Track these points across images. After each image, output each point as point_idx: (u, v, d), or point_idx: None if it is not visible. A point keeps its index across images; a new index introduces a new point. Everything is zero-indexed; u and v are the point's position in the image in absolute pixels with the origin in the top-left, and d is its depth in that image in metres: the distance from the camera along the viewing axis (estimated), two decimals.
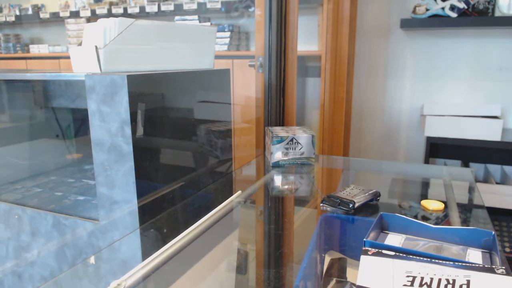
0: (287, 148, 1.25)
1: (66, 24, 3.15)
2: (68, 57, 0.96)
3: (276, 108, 1.54)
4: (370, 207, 0.91)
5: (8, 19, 3.42)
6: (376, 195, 0.94)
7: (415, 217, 0.87)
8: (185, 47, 1.09)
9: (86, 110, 0.90)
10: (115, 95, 0.85)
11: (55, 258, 1.03)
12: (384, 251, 0.57)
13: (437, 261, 0.54)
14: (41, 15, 3.24)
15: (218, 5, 2.53)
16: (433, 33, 2.11)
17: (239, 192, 1.04)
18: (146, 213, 0.91)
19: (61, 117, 1.54)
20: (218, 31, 2.49)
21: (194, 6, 2.60)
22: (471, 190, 1.09)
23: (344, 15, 1.98)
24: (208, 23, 2.59)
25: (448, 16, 1.93)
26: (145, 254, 0.72)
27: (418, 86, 2.20)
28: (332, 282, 0.70)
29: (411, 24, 2.00)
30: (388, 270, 0.53)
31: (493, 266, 0.51)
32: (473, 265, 0.52)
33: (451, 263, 0.53)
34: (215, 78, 1.19)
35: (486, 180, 2.00)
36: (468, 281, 0.49)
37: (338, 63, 2.03)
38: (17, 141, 1.40)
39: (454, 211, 0.90)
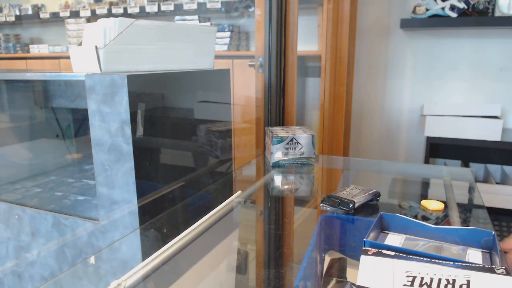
0: (287, 148, 1.25)
1: (66, 24, 3.15)
2: (68, 57, 0.97)
3: (276, 108, 1.54)
4: (370, 207, 0.91)
5: (8, 19, 3.42)
6: (376, 195, 0.94)
7: (415, 217, 0.87)
8: (185, 47, 1.09)
9: (86, 110, 0.90)
10: (115, 95, 0.85)
11: (55, 258, 1.03)
12: (384, 251, 0.57)
13: (437, 261, 0.54)
14: (41, 15, 3.24)
15: (218, 5, 2.53)
16: (433, 33, 2.11)
17: (239, 192, 1.04)
18: (146, 213, 0.91)
19: (61, 117, 1.54)
20: (218, 31, 2.49)
21: (194, 6, 2.60)
22: (471, 190, 1.09)
23: (344, 15, 1.98)
24: (208, 23, 2.59)
25: (448, 16, 1.93)
26: (145, 254, 0.72)
27: (418, 86, 2.20)
28: (332, 282, 0.70)
29: (411, 24, 2.00)
30: (388, 270, 0.53)
31: (493, 266, 0.51)
32: (473, 265, 0.52)
33: (451, 263, 0.53)
34: (215, 78, 1.19)
35: (486, 180, 2.00)
36: (468, 281, 0.49)
37: (338, 63, 2.03)
38: (17, 141, 1.40)
39: (454, 211, 0.90)
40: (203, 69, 1.16)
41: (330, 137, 2.07)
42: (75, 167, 1.44)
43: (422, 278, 0.51)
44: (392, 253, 0.56)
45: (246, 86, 2.07)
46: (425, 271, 0.52)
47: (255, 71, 1.53)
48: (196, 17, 2.58)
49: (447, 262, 0.53)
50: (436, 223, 0.79)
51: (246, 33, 2.63)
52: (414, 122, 2.24)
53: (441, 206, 0.90)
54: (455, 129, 1.88)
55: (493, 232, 0.62)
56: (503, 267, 0.51)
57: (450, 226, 0.68)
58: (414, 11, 1.99)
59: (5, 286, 1.13)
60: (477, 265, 0.51)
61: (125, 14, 2.84)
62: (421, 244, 0.65)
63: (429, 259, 0.54)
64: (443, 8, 1.93)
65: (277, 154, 1.26)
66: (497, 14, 1.90)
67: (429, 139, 1.93)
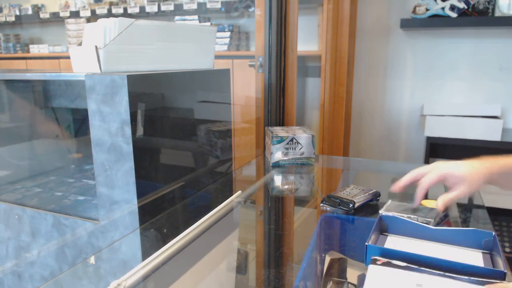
0: (287, 148, 1.25)
1: (66, 24, 3.15)
2: (68, 57, 0.96)
3: (276, 108, 1.54)
4: (370, 207, 0.91)
5: (8, 19, 3.42)
6: (376, 195, 0.94)
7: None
8: (185, 47, 1.09)
9: (86, 110, 0.90)
10: (115, 95, 0.85)
11: (55, 258, 1.03)
12: (394, 262, 0.55)
13: (451, 275, 0.51)
14: (41, 15, 3.24)
15: (218, 5, 2.53)
16: (433, 33, 2.11)
17: (239, 192, 1.04)
18: (146, 213, 0.91)
19: (61, 117, 1.54)
20: (218, 31, 2.49)
21: (194, 6, 2.60)
22: None
23: (344, 15, 1.98)
24: (208, 23, 2.59)
25: (448, 16, 1.92)
26: (145, 254, 0.72)
27: (418, 86, 2.20)
28: (332, 282, 0.70)
29: (411, 24, 2.00)
30: (397, 282, 0.51)
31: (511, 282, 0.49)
32: (489, 280, 0.50)
33: (466, 277, 0.51)
34: (215, 78, 1.19)
35: None
36: None
37: (338, 63, 2.03)
38: (17, 141, 1.40)
39: (454, 211, 0.90)
40: (203, 69, 1.16)
41: (330, 137, 2.07)
42: (75, 167, 1.44)
43: None
44: (403, 264, 0.54)
45: (246, 86, 2.07)
46: (438, 285, 0.50)
47: (255, 71, 1.53)
48: (196, 17, 2.58)
49: (462, 277, 0.51)
50: (436, 224, 0.79)
51: (246, 33, 2.63)
52: (414, 122, 2.24)
53: None
54: (455, 129, 1.88)
55: (494, 233, 0.62)
56: None
57: (450, 228, 0.68)
58: (414, 11, 1.99)
59: (5, 286, 1.13)
60: (493, 281, 0.50)
61: (125, 14, 2.84)
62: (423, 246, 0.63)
63: (442, 273, 0.52)
64: (443, 8, 1.93)
65: (277, 154, 1.26)
66: (497, 14, 1.90)
67: (429, 139, 1.92)
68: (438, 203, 0.77)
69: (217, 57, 1.29)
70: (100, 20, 0.89)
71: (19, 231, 1.08)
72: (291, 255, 0.76)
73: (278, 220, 0.93)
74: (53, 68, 2.78)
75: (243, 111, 2.01)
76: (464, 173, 0.77)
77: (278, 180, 1.19)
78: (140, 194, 0.89)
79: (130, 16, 2.82)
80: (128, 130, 0.85)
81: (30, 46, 3.37)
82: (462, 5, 1.90)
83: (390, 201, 0.90)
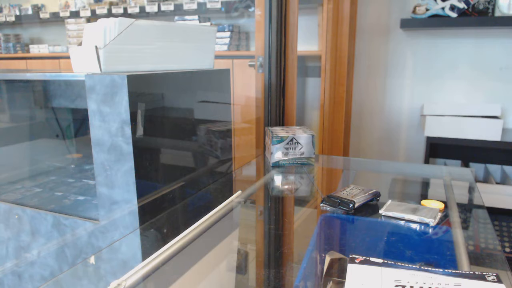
0: (287, 148, 1.25)
1: (66, 24, 3.15)
2: (68, 57, 0.96)
3: (276, 108, 1.54)
4: (370, 207, 0.91)
5: (8, 19, 3.42)
6: (376, 195, 0.94)
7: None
8: (185, 47, 1.09)
9: (86, 110, 0.90)
10: (115, 95, 0.85)
11: (55, 258, 1.03)
12: (372, 259, 0.55)
13: (426, 268, 0.52)
14: (41, 15, 3.24)
15: (218, 5, 2.53)
16: (433, 33, 2.11)
17: (239, 192, 1.04)
18: (146, 213, 0.91)
19: (61, 117, 1.54)
20: (218, 31, 2.49)
21: (194, 6, 2.60)
22: (471, 190, 1.09)
23: (344, 15, 1.98)
24: (208, 23, 2.59)
25: (448, 16, 1.92)
26: (145, 254, 0.72)
27: (418, 86, 2.20)
28: (332, 282, 0.70)
29: (411, 24, 2.00)
30: (376, 279, 0.52)
31: (484, 273, 0.50)
32: (463, 272, 0.51)
33: (441, 270, 0.52)
34: (215, 78, 1.19)
35: (486, 180, 2.00)
36: None
37: (338, 63, 2.03)
38: (17, 141, 1.40)
39: (454, 211, 0.90)
40: (203, 69, 1.16)
41: (330, 137, 2.07)
42: (75, 167, 1.44)
43: (411, 287, 0.50)
44: (380, 260, 0.55)
45: (246, 86, 2.07)
46: (415, 279, 0.51)
47: (255, 71, 1.53)
48: (196, 17, 2.58)
49: (437, 270, 0.52)
50: (437, 224, 0.79)
51: (246, 33, 2.63)
52: (414, 122, 2.24)
53: (441, 206, 0.90)
54: (455, 129, 1.88)
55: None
56: (494, 274, 0.50)
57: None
58: (414, 11, 1.99)
59: (5, 286, 1.13)
60: (467, 273, 0.50)
61: (125, 14, 2.84)
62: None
63: (418, 267, 0.53)
64: (443, 8, 1.93)
65: (277, 154, 1.26)
66: (497, 14, 1.90)
67: (429, 139, 1.92)
68: None
69: (217, 57, 1.29)
70: (100, 20, 0.89)
71: (19, 231, 1.08)
72: (291, 255, 0.76)
73: (278, 220, 0.93)
74: (53, 68, 2.78)
75: (243, 111, 2.01)
76: None
77: (278, 180, 1.19)
78: (140, 194, 0.89)
79: (130, 16, 2.82)
80: (128, 130, 0.85)
81: (30, 46, 3.37)
82: (462, 5, 1.90)
83: (390, 201, 0.90)
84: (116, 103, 0.85)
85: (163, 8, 2.69)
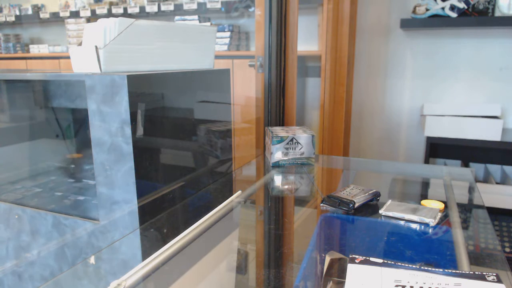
0: (287, 148, 1.25)
1: (66, 24, 3.15)
2: (68, 57, 0.96)
3: (276, 108, 1.54)
4: (370, 207, 0.91)
5: (8, 19, 3.42)
6: (376, 195, 0.94)
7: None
8: (185, 47, 1.09)
9: (86, 110, 0.90)
10: (115, 95, 0.85)
11: (55, 258, 1.03)
12: (372, 259, 0.55)
13: (426, 268, 0.52)
14: (41, 15, 3.24)
15: (218, 5, 2.53)
16: (433, 33, 2.11)
17: (239, 192, 1.04)
18: (146, 213, 0.90)
19: (61, 117, 1.54)
20: (218, 31, 2.49)
21: (194, 6, 2.60)
22: (471, 190, 1.09)
23: (344, 15, 1.97)
24: (208, 23, 2.59)
25: (448, 16, 1.92)
26: (145, 254, 0.72)
27: (418, 86, 2.20)
28: (332, 282, 0.70)
29: (411, 24, 2.00)
30: (376, 279, 0.52)
31: (484, 273, 0.50)
32: (463, 272, 0.51)
33: (441, 270, 0.51)
34: (215, 78, 1.19)
35: (486, 180, 2.00)
36: None
37: (338, 63, 2.03)
38: (17, 141, 1.40)
39: (454, 211, 0.90)
40: (203, 69, 1.16)
41: (330, 137, 2.07)
42: (75, 167, 1.44)
43: (411, 287, 0.49)
44: (380, 260, 0.55)
45: (246, 86, 2.07)
46: (414, 279, 0.50)
47: (255, 71, 1.53)
48: (196, 17, 2.58)
49: (437, 270, 0.52)
50: (437, 223, 0.79)
51: (246, 33, 2.63)
52: (414, 122, 2.24)
53: (441, 206, 0.90)
54: (455, 129, 1.88)
55: None
56: (494, 274, 0.50)
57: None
58: (414, 11, 1.99)
59: (5, 286, 1.13)
60: (467, 273, 0.50)
61: (125, 14, 2.84)
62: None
63: (418, 267, 0.53)
64: (443, 8, 1.93)
65: (277, 154, 1.26)
66: (497, 14, 1.90)
67: (429, 139, 1.92)
68: None
69: (217, 57, 1.29)
70: (100, 20, 0.89)
71: (19, 231, 1.08)
72: (291, 255, 0.76)
73: (278, 220, 0.93)
74: (53, 68, 2.78)
75: (243, 111, 2.01)
76: None
77: (278, 180, 1.19)
78: (140, 194, 0.89)
79: (130, 16, 2.82)
80: (128, 130, 0.85)
81: (30, 46, 3.37)
82: (462, 5, 1.90)
83: (390, 201, 0.90)
84: (116, 103, 0.85)
85: (163, 8, 2.69)
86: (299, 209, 1.02)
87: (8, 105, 1.38)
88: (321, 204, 0.92)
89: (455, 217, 0.87)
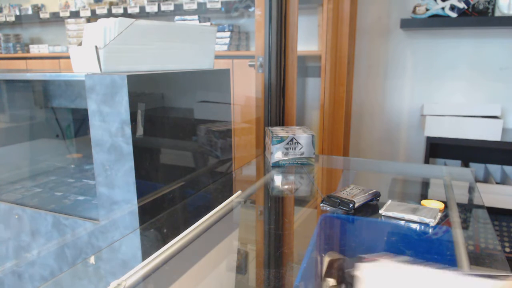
0: (287, 148, 1.25)
1: (66, 24, 3.15)
2: (68, 57, 0.97)
3: (276, 108, 1.54)
4: (370, 207, 0.91)
5: (8, 19, 3.42)
6: (376, 195, 0.94)
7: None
8: (185, 47, 1.09)
9: (86, 110, 0.90)
10: (115, 95, 0.85)
11: (55, 258, 1.03)
12: (382, 259, 0.55)
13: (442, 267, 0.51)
14: (41, 15, 3.24)
15: (218, 5, 2.53)
16: (433, 33, 2.11)
17: (239, 192, 1.04)
18: (146, 213, 0.91)
19: (61, 117, 1.54)
20: (218, 31, 2.49)
21: (194, 6, 2.60)
22: (471, 190, 1.09)
23: (344, 15, 1.98)
24: (208, 23, 2.59)
25: (448, 16, 1.92)
26: (145, 254, 0.72)
27: (418, 86, 2.20)
28: (332, 282, 0.70)
29: (411, 24, 2.00)
30: (387, 278, 0.51)
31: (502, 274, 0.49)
32: (477, 274, 0.50)
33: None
34: (215, 78, 1.19)
35: (486, 180, 2.00)
36: None
37: (338, 63, 2.03)
38: (17, 141, 1.40)
39: (454, 211, 0.90)
40: (203, 69, 1.16)
41: (330, 137, 2.07)
42: (75, 167, 1.44)
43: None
44: (392, 260, 0.54)
45: (246, 86, 2.07)
46: (427, 276, 0.50)
47: (255, 71, 1.53)
48: (196, 17, 2.58)
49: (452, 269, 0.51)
50: (437, 223, 0.79)
51: (246, 33, 2.63)
52: (414, 122, 2.24)
53: (441, 206, 0.90)
54: (455, 129, 1.88)
55: None
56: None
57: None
58: (414, 11, 1.99)
59: (5, 286, 1.13)
60: (488, 275, 0.49)
61: (125, 14, 2.84)
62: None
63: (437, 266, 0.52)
64: (443, 8, 1.93)
65: (277, 154, 1.26)
66: (497, 14, 1.90)
67: (429, 139, 1.92)
68: None
69: (217, 57, 1.29)
70: (100, 20, 0.89)
71: (19, 231, 1.08)
72: (291, 255, 0.76)
73: (278, 220, 0.93)
74: (53, 68, 2.78)
75: (243, 111, 2.01)
76: None
77: (278, 180, 1.19)
78: (140, 194, 0.89)
79: (130, 16, 2.82)
80: (128, 130, 0.85)
81: (30, 46, 3.37)
82: (462, 5, 1.90)
83: (390, 201, 0.90)
84: (116, 103, 0.85)
85: (163, 8, 2.69)
86: (299, 209, 1.02)
87: (8, 105, 1.38)
88: (321, 204, 0.92)
89: (455, 217, 0.87)
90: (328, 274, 0.72)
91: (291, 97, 1.56)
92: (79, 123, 1.58)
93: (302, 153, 1.26)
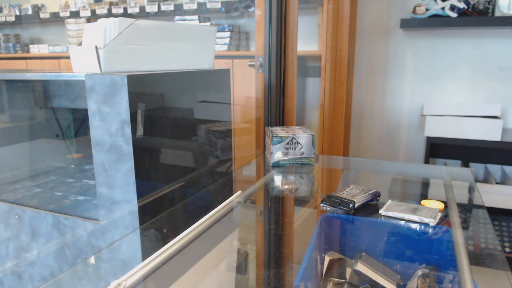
0: (287, 148, 1.25)
1: (66, 24, 3.15)
2: (68, 57, 0.96)
3: (276, 108, 1.54)
4: (370, 207, 0.91)
5: (8, 19, 3.42)
6: (376, 195, 0.94)
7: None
8: (185, 47, 1.09)
9: (86, 110, 0.90)
10: (115, 95, 0.85)
11: (55, 258, 1.03)
12: None
13: None
14: (41, 15, 3.24)
15: (218, 5, 2.53)
16: (433, 33, 2.11)
17: (239, 192, 1.04)
18: (146, 213, 0.91)
19: (61, 117, 1.54)
20: (218, 31, 2.49)
21: (194, 6, 2.60)
22: (471, 190, 1.09)
23: (344, 15, 1.98)
24: (208, 23, 2.59)
25: (448, 16, 1.92)
26: (145, 254, 0.72)
27: (418, 86, 2.20)
28: (332, 282, 0.70)
29: (411, 24, 2.00)
30: None
31: None
32: None
33: None
34: (215, 78, 1.19)
35: (486, 180, 2.00)
36: None
37: (338, 63, 2.03)
38: (17, 141, 1.40)
39: (454, 211, 0.90)
40: (203, 69, 1.16)
41: (330, 137, 2.07)
42: (75, 167, 1.44)
43: None
44: None
45: (246, 86, 2.07)
46: None
47: (255, 71, 1.53)
48: (196, 17, 2.58)
49: None
50: (437, 223, 0.79)
51: (246, 33, 2.63)
52: (414, 122, 2.24)
53: (441, 206, 0.90)
54: (455, 129, 1.88)
55: None
56: None
57: None
58: (414, 11, 1.99)
59: (5, 286, 1.13)
60: None
61: (125, 14, 2.84)
62: None
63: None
64: (443, 8, 1.93)
65: (277, 154, 1.26)
66: (497, 14, 1.90)
67: (429, 139, 1.92)
68: None
69: (217, 57, 1.29)
70: (100, 20, 0.89)
71: (19, 231, 1.08)
72: (291, 255, 0.76)
73: (278, 220, 0.93)
74: (53, 68, 2.78)
75: (243, 111, 2.01)
76: None
77: (278, 180, 1.19)
78: (140, 194, 0.89)
79: (130, 16, 2.82)
80: (128, 130, 0.85)
81: (30, 46, 3.37)
82: (462, 5, 1.90)
83: (390, 201, 0.90)
84: (116, 103, 0.85)
85: (163, 8, 2.69)
86: (299, 209, 1.02)
87: (8, 105, 1.38)
88: (321, 204, 0.92)
89: (455, 217, 0.87)
90: (328, 274, 0.72)
91: (291, 97, 1.56)
92: (79, 123, 1.58)
93: (302, 153, 1.26)
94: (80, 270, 0.82)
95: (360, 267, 0.75)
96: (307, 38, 2.37)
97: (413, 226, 0.81)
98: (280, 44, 1.50)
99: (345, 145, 2.20)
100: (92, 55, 0.89)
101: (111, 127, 0.87)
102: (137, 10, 2.79)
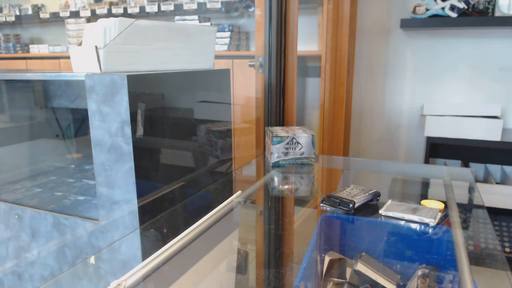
0: (287, 148, 1.25)
1: (66, 24, 3.15)
2: (68, 57, 0.96)
3: (276, 108, 1.54)
4: (370, 207, 0.91)
5: (8, 19, 3.42)
6: (376, 195, 0.94)
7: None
8: (185, 47, 1.09)
9: (86, 110, 0.90)
10: (115, 95, 0.85)
11: (55, 258, 1.03)
12: None
13: None
14: (41, 15, 3.24)
15: (218, 5, 2.53)
16: (433, 33, 2.11)
17: (239, 192, 1.04)
18: (146, 213, 0.91)
19: (61, 117, 1.54)
20: (218, 31, 2.49)
21: (194, 6, 2.60)
22: (471, 190, 1.09)
23: (344, 15, 1.98)
24: (208, 23, 2.59)
25: (448, 16, 1.92)
26: (145, 254, 0.72)
27: (418, 86, 2.20)
28: (332, 282, 0.70)
29: (411, 24, 2.00)
30: None
31: None
32: None
33: None
34: (215, 78, 1.19)
35: (486, 180, 2.00)
36: None
37: (338, 63, 2.03)
38: (17, 141, 1.40)
39: (454, 211, 0.90)
40: (203, 69, 1.16)
41: (330, 137, 2.07)
42: (75, 167, 1.44)
43: None
44: None
45: (246, 86, 2.07)
46: None
47: (255, 71, 1.53)
48: (196, 17, 2.58)
49: None
50: (437, 223, 0.79)
51: (246, 33, 2.63)
52: (414, 122, 2.24)
53: (441, 206, 0.90)
54: (455, 129, 1.88)
55: None
56: None
57: None
58: (414, 11, 1.99)
59: (5, 286, 1.13)
60: None
61: (125, 14, 2.84)
62: None
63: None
64: (443, 8, 1.93)
65: (277, 154, 1.26)
66: (497, 14, 1.90)
67: (429, 139, 1.92)
68: None
69: (217, 57, 1.29)
70: (100, 20, 0.89)
71: (19, 231, 1.08)
72: (291, 255, 0.76)
73: (278, 220, 0.93)
74: (53, 68, 2.78)
75: (243, 111, 2.01)
76: None
77: (278, 180, 1.19)
78: (140, 194, 0.89)
79: (130, 16, 2.82)
80: (128, 130, 0.85)
81: (30, 46, 3.37)
82: (462, 5, 1.90)
83: (390, 201, 0.90)
84: (116, 103, 0.85)
85: (163, 8, 2.69)
86: (299, 209, 1.02)
87: (8, 105, 1.38)
88: (321, 204, 0.92)
89: (455, 217, 0.87)
90: (328, 274, 0.72)
91: (291, 97, 1.56)
92: (79, 123, 1.58)
93: (302, 153, 1.26)
94: (80, 270, 0.82)
95: (360, 267, 0.75)
96: (307, 38, 2.37)
97: (413, 226, 0.81)
98: (280, 44, 1.50)
99: (345, 145, 2.20)
100: (92, 55, 0.89)
101: (111, 127, 0.87)
102: (137, 10, 2.79)
